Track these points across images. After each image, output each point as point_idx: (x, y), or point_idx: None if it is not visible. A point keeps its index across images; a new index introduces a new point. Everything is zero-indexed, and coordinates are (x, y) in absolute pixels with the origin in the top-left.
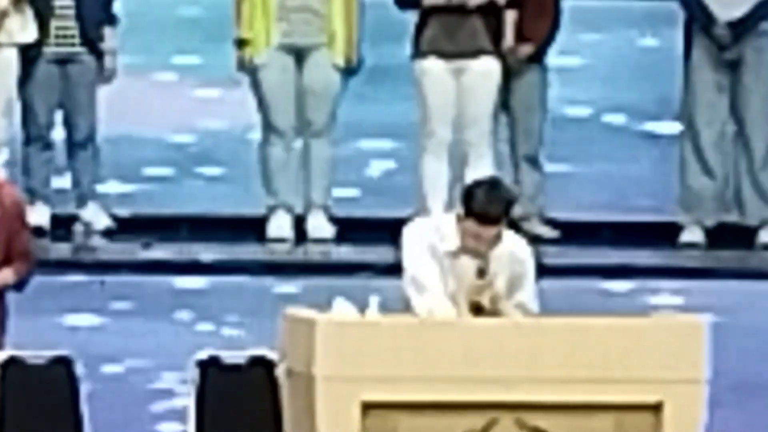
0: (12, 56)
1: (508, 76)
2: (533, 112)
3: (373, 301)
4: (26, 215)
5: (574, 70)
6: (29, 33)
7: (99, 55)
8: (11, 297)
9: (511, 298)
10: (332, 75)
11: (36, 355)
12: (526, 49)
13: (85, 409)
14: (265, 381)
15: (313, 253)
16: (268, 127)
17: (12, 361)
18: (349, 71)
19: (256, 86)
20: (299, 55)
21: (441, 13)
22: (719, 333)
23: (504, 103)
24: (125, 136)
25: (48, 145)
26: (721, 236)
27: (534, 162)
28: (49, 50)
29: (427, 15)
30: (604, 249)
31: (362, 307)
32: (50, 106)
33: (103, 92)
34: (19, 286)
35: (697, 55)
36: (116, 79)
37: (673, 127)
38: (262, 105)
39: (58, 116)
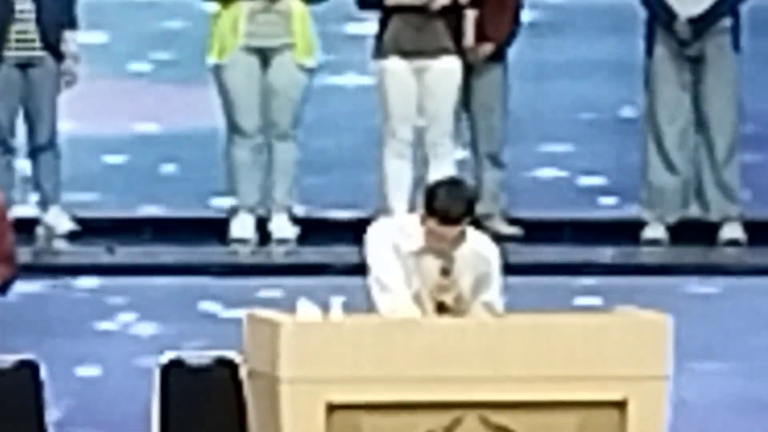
0: None
1: (469, 75)
2: (494, 110)
3: (336, 301)
4: (9, 219)
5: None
6: None
7: (60, 58)
8: None
9: (477, 298)
10: (297, 76)
11: (1, 359)
12: (487, 48)
13: (50, 413)
14: (230, 382)
15: (276, 254)
16: (233, 127)
17: None
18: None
19: (220, 87)
20: (264, 56)
21: (403, 12)
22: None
23: (465, 102)
24: (87, 136)
25: (9, 149)
26: (684, 233)
27: (496, 160)
28: (9, 54)
29: (388, 15)
30: (566, 246)
31: (325, 308)
32: (11, 109)
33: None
34: (3, 289)
35: (658, 52)
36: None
37: (635, 124)
38: (227, 105)
39: (20, 120)
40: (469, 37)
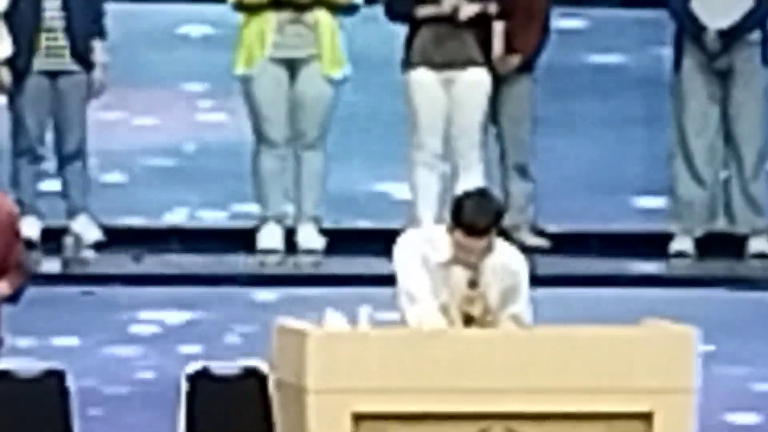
0: None
1: (498, 86)
2: (522, 122)
3: (364, 312)
4: (20, 227)
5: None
6: (4, 48)
7: (89, 68)
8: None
9: (504, 310)
10: (325, 87)
11: (28, 368)
12: (516, 60)
13: (76, 422)
14: (257, 392)
15: (303, 264)
16: (261, 138)
17: (2, 374)
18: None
19: (248, 97)
20: (292, 67)
21: (431, 24)
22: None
23: (493, 113)
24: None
25: (38, 158)
26: (711, 245)
27: (524, 172)
28: (39, 64)
29: (417, 26)
30: (593, 258)
31: (353, 319)
32: (40, 119)
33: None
34: (14, 298)
35: (687, 65)
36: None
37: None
38: (255, 116)
39: (49, 129)
40: (497, 48)
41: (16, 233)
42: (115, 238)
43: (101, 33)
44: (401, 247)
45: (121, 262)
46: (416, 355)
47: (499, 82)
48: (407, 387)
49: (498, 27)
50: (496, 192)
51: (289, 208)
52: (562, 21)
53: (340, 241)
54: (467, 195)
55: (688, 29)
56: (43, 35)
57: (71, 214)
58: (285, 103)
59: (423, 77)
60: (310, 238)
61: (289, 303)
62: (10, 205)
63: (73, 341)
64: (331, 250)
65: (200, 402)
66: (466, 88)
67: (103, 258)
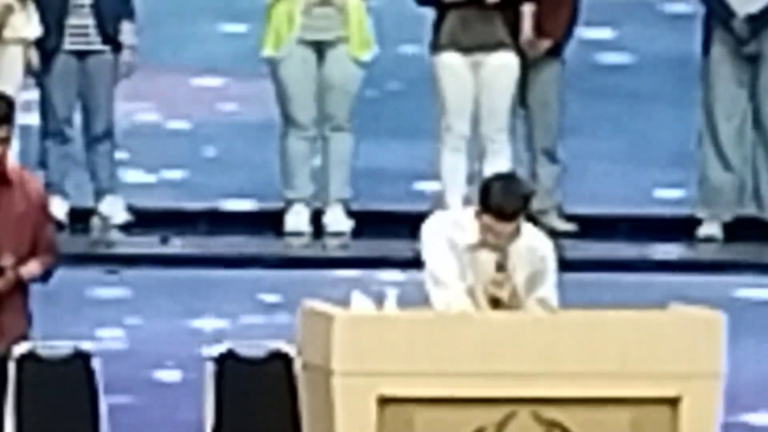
0: (18, 52)
1: (526, 70)
2: (551, 106)
3: (391, 294)
4: (50, 208)
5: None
6: (33, 29)
7: (117, 49)
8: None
9: (531, 294)
10: (352, 69)
11: (54, 349)
12: (545, 43)
13: (103, 404)
14: (283, 374)
15: (330, 246)
16: (288, 120)
17: (29, 355)
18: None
19: (276, 80)
20: (319, 49)
21: (459, 7)
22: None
23: (522, 97)
24: (146, 127)
25: (66, 139)
26: (739, 230)
27: (551, 156)
28: (67, 44)
29: (445, 9)
30: (621, 243)
31: (380, 301)
32: (68, 99)
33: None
34: (44, 277)
35: (716, 50)
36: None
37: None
38: (282, 98)
39: (77, 110)
40: (526, 31)
41: (47, 214)
42: (143, 220)
43: (130, 14)
44: (428, 230)
45: (149, 243)
46: (442, 338)
47: (527, 65)
48: (433, 370)
49: (527, 10)
50: (524, 176)
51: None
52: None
53: (367, 224)
54: (496, 178)
55: (717, 14)
56: (72, 15)
57: (99, 195)
58: (313, 85)
59: (451, 60)
60: (337, 220)
61: (317, 285)
62: (40, 185)
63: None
64: (358, 232)
65: (226, 384)
66: (494, 72)
67: (130, 239)
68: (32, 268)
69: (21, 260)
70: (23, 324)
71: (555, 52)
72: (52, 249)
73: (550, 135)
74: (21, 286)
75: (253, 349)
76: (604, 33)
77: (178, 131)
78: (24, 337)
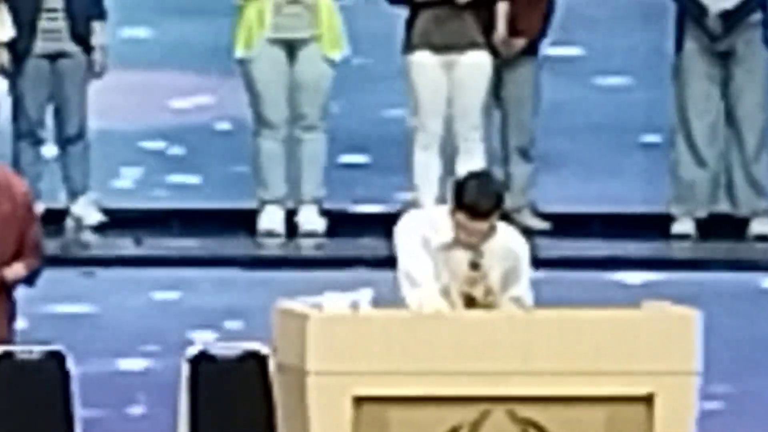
0: None
1: (501, 68)
2: (525, 104)
3: (365, 294)
4: (36, 209)
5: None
6: (5, 31)
7: (89, 50)
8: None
9: (505, 292)
10: (324, 68)
11: (28, 349)
12: (519, 42)
13: (77, 404)
14: (258, 375)
15: (304, 246)
16: (260, 120)
17: (3, 355)
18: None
19: (247, 79)
20: (291, 48)
21: (431, 6)
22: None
23: (496, 95)
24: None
25: (39, 141)
26: (713, 227)
27: (525, 154)
28: (39, 46)
29: (417, 9)
30: (595, 240)
31: (354, 301)
32: (41, 101)
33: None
34: (30, 279)
35: (688, 47)
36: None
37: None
38: (254, 98)
39: (49, 112)
40: (501, 30)
41: (33, 215)
42: (116, 221)
43: (101, 14)
44: (402, 228)
45: (122, 245)
46: (417, 337)
47: (502, 64)
48: (408, 370)
49: (502, 9)
50: (498, 174)
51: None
52: None
53: (341, 224)
54: (469, 177)
55: (690, 11)
56: (43, 17)
57: (72, 196)
58: (284, 85)
59: (424, 60)
60: (310, 220)
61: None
62: (26, 187)
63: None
64: (331, 232)
65: (201, 385)
66: (467, 71)
67: (104, 240)
68: (17, 270)
69: (6, 262)
70: (5, 327)
71: (530, 50)
72: (38, 251)
73: (525, 133)
74: (5, 289)
75: (227, 349)
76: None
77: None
78: (8, 341)
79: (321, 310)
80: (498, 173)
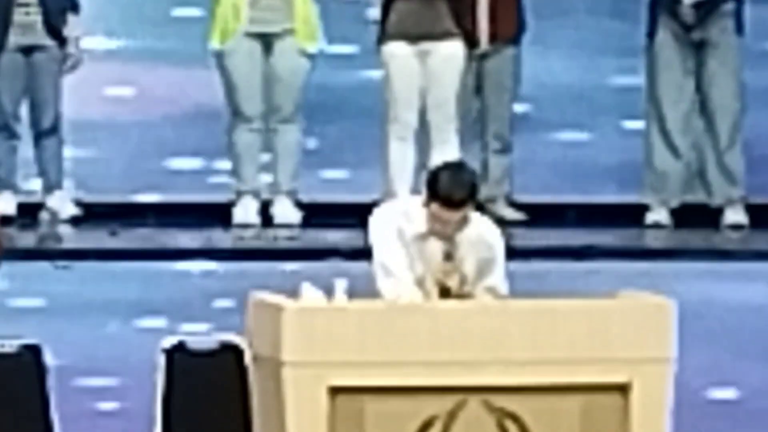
0: None
1: (482, 58)
2: (505, 93)
3: (340, 285)
4: None
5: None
6: None
7: (63, 43)
8: None
9: (480, 282)
10: (300, 61)
11: (3, 343)
12: (499, 32)
13: (52, 397)
14: (234, 366)
15: (279, 238)
16: (235, 112)
17: None
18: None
19: (223, 72)
20: (266, 41)
21: None
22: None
23: (477, 84)
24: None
25: (13, 134)
26: (687, 216)
27: (502, 144)
28: (13, 40)
29: (392, 0)
30: (569, 230)
31: (329, 292)
32: (15, 95)
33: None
34: None
35: (661, 36)
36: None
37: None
38: (229, 91)
39: (24, 105)
40: (482, 22)
41: None
42: (91, 214)
43: (75, 7)
44: (376, 219)
45: (97, 237)
46: (392, 328)
47: (483, 54)
48: (383, 360)
49: (483, 2)
50: (474, 164)
51: (264, 182)
52: None
53: (316, 215)
54: (443, 167)
55: (663, 0)
56: (17, 11)
57: (47, 189)
58: (260, 78)
59: (398, 50)
60: (286, 212)
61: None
62: None
63: None
64: (307, 223)
65: (177, 376)
66: (441, 61)
67: (79, 233)
68: None
69: None
70: None
71: (511, 40)
72: None
73: (502, 124)
74: None
75: (203, 341)
76: None
77: None
78: None
79: (296, 301)
80: (474, 164)
